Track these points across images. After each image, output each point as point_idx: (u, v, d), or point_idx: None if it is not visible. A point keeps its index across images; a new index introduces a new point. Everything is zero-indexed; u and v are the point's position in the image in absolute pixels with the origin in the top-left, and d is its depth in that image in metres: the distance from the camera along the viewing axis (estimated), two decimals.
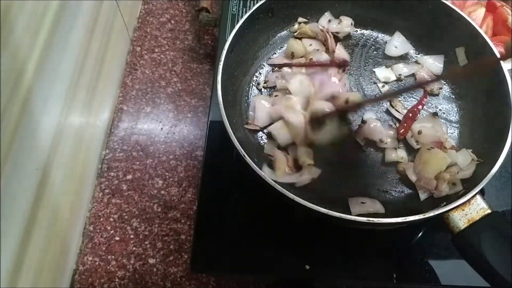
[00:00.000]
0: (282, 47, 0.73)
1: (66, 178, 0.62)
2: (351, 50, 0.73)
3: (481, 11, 0.80)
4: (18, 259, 0.49)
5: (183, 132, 0.79)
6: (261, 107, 0.65)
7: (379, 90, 0.70)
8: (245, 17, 0.65)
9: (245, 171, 0.54)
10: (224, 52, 0.61)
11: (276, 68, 0.70)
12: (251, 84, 0.69)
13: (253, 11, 0.66)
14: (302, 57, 0.69)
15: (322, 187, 0.60)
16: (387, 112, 0.67)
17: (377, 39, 0.74)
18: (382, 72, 0.71)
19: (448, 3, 0.67)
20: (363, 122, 0.65)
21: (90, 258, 0.67)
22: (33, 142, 0.51)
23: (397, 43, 0.72)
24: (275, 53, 0.72)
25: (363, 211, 0.56)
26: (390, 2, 0.71)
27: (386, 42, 0.74)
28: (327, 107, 0.58)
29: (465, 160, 0.59)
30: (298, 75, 0.65)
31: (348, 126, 0.64)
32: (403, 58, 0.73)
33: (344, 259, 0.61)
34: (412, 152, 0.63)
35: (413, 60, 0.72)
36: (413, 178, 0.60)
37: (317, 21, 0.73)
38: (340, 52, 0.70)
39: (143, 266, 0.66)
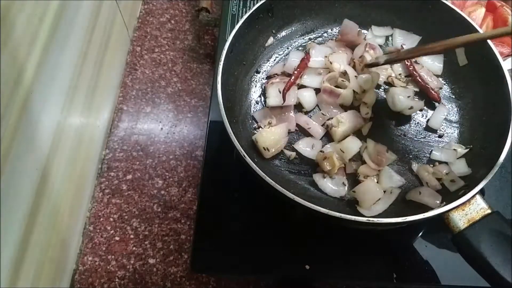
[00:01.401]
0: (281, 47, 0.73)
1: (66, 178, 0.61)
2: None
3: (481, 11, 0.80)
4: (18, 259, 0.49)
5: (183, 132, 0.79)
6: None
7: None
8: (245, 17, 0.65)
9: (245, 171, 0.54)
10: (224, 52, 0.61)
11: (272, 80, 0.69)
12: (251, 83, 0.69)
13: (253, 11, 0.66)
14: None
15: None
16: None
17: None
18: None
19: (448, 3, 0.67)
20: None
21: (90, 258, 0.67)
22: (33, 142, 0.51)
23: (403, 40, 0.72)
24: (275, 53, 0.72)
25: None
26: (390, 3, 0.71)
27: (385, 42, 0.74)
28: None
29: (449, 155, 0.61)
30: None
31: None
32: None
33: (344, 259, 0.61)
34: None
35: (413, 60, 0.72)
36: None
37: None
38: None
39: (143, 266, 0.66)
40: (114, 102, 0.81)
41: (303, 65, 0.67)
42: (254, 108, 0.67)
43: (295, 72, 0.66)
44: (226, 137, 0.55)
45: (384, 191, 0.58)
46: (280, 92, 0.65)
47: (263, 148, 0.60)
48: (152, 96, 0.83)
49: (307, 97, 0.67)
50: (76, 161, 0.65)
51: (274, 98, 0.65)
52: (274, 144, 0.61)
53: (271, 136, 0.61)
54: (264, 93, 0.68)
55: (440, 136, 0.65)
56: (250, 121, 0.66)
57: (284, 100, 0.64)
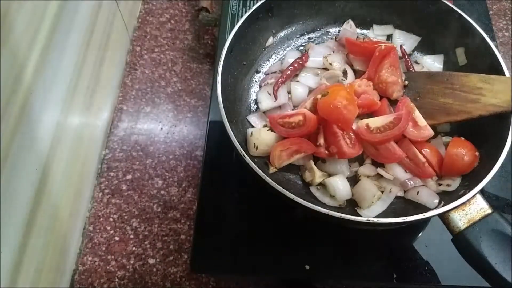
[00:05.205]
0: (281, 47, 0.73)
1: (66, 178, 0.61)
2: None
3: None
4: (18, 259, 0.49)
5: (183, 132, 0.79)
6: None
7: None
8: (245, 17, 0.65)
9: (245, 171, 0.54)
10: (224, 52, 0.61)
11: (267, 80, 0.68)
12: (251, 83, 0.69)
13: (253, 11, 0.66)
14: None
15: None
16: None
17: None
18: None
19: (449, 3, 0.67)
20: None
21: (90, 258, 0.67)
22: (33, 142, 0.51)
23: (403, 41, 0.72)
24: (275, 53, 0.72)
25: None
26: (390, 3, 0.71)
27: None
28: None
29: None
30: None
31: None
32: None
33: (344, 259, 0.61)
34: None
35: (413, 60, 0.72)
36: None
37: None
38: None
39: (143, 266, 0.66)
40: (114, 102, 0.81)
41: (297, 64, 0.67)
42: (253, 107, 0.67)
43: (288, 71, 0.66)
44: (226, 137, 0.55)
45: (383, 191, 0.58)
46: (269, 94, 0.65)
47: (253, 144, 0.59)
48: (152, 96, 0.83)
49: (298, 89, 0.66)
50: (76, 161, 0.65)
51: (265, 102, 0.65)
52: (268, 145, 0.60)
53: (266, 136, 0.60)
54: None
55: (439, 136, 0.65)
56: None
57: (275, 98, 0.64)
